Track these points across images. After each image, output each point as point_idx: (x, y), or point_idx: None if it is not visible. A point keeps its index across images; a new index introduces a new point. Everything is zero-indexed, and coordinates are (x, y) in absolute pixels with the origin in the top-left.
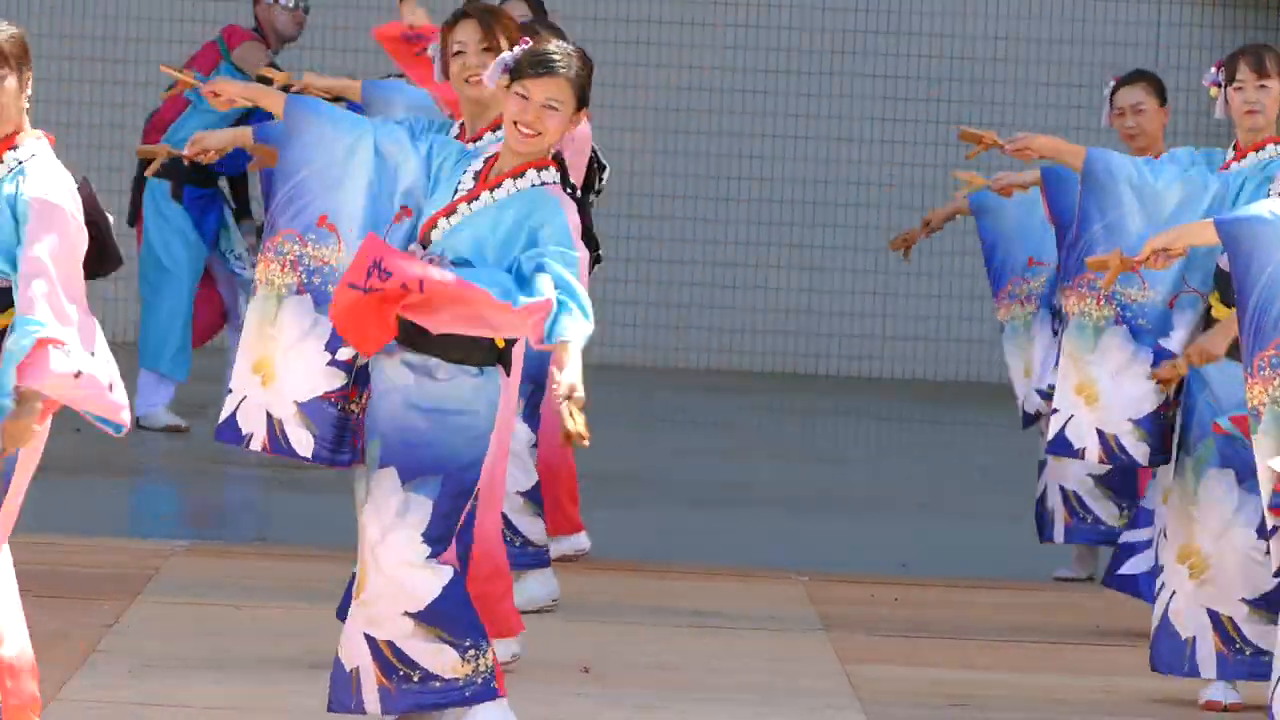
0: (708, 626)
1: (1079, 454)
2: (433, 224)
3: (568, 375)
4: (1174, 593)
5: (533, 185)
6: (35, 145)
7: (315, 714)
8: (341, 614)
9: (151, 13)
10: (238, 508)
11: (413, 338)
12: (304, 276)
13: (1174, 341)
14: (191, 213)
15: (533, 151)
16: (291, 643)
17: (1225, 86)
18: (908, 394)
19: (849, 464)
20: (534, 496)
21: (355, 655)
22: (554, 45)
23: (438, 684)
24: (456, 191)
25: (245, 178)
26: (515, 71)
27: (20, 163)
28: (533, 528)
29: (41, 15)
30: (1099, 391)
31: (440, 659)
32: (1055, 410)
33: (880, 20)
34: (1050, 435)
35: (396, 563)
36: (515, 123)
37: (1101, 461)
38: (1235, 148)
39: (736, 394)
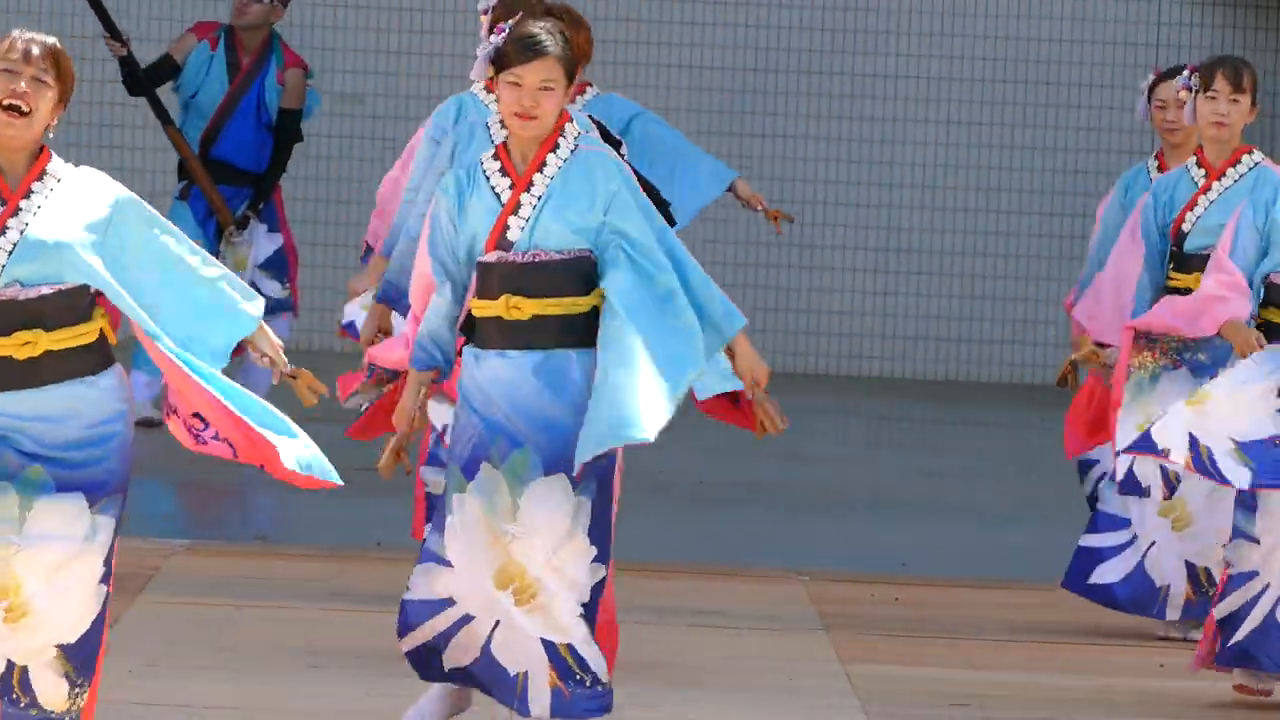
0: (708, 626)
1: (1163, 454)
2: (502, 228)
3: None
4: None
5: (572, 150)
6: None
7: (315, 714)
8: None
9: (152, 12)
10: (238, 508)
11: (527, 337)
12: None
13: None
14: (197, 212)
15: (537, 135)
16: (291, 642)
17: (1197, 93)
18: (908, 393)
19: (849, 463)
20: None
21: (524, 660)
22: (537, 25)
23: (600, 688)
24: (498, 194)
25: (270, 176)
26: (501, 60)
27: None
28: None
29: (42, 16)
30: (1210, 395)
31: (602, 664)
32: (1118, 453)
33: (880, 20)
34: (1119, 476)
35: (578, 567)
36: (514, 113)
37: (1187, 469)
38: (1200, 159)
39: None
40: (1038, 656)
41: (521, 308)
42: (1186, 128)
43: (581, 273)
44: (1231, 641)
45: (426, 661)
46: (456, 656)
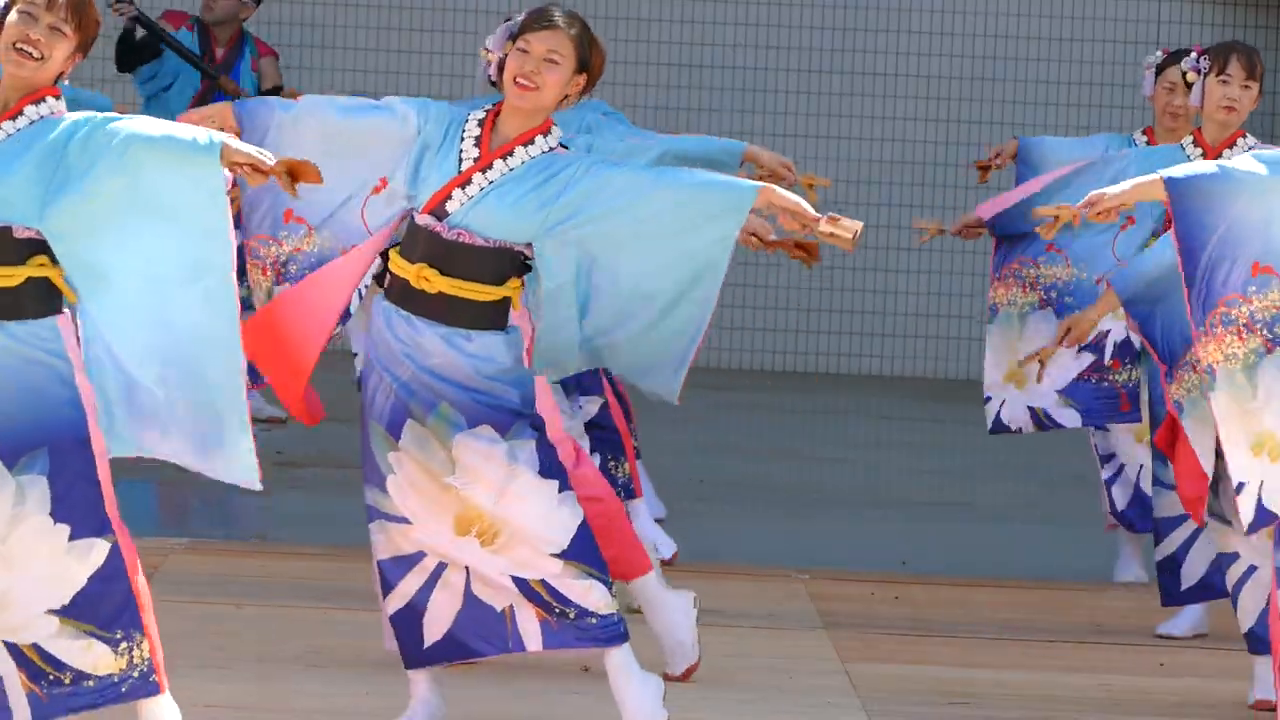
0: (708, 625)
1: (1016, 431)
2: (445, 195)
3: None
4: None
5: (543, 152)
6: (57, 104)
7: (315, 713)
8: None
9: (154, 12)
10: (238, 506)
11: (432, 309)
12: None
13: None
14: None
15: (533, 108)
16: (292, 641)
17: (1207, 75)
18: (908, 392)
19: (849, 462)
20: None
21: (505, 597)
22: (555, 7)
23: (593, 620)
24: (461, 160)
25: None
26: (517, 32)
27: (48, 114)
28: None
29: None
30: (1026, 374)
31: (592, 595)
32: (988, 398)
33: (880, 19)
34: (989, 421)
35: (536, 503)
36: (515, 78)
37: (1038, 430)
38: (1197, 139)
39: (736, 392)
40: (1038, 655)
41: (431, 280)
42: (1189, 113)
43: (501, 264)
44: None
45: (410, 633)
46: (437, 618)
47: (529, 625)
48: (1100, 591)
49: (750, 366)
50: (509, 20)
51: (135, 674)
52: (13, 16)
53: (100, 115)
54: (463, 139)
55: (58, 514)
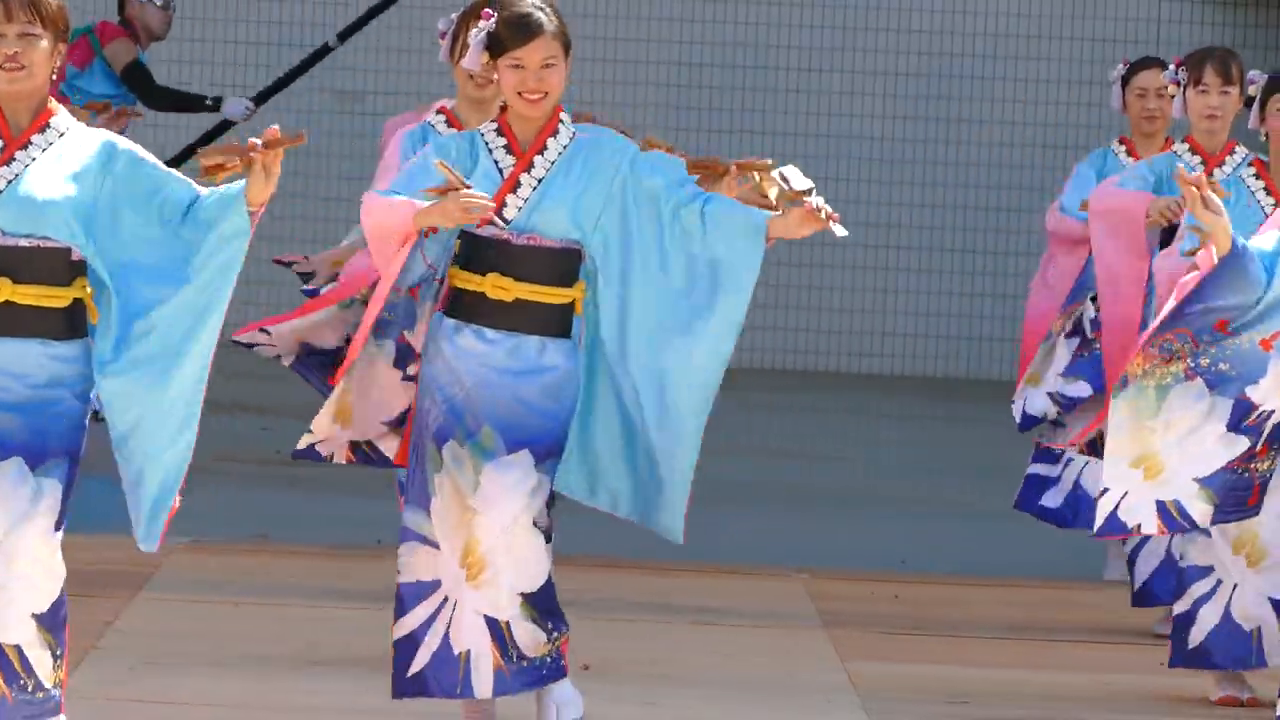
0: (708, 624)
1: (1134, 530)
2: (499, 204)
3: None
4: (1236, 585)
5: (571, 137)
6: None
7: (315, 712)
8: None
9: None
10: (238, 506)
11: (493, 312)
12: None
13: (1261, 389)
14: None
15: (544, 114)
16: (292, 641)
17: (1186, 87)
18: (908, 390)
19: (849, 461)
20: None
21: (468, 638)
22: (526, 5)
23: (528, 664)
24: (500, 169)
25: None
26: (498, 45)
27: (61, 135)
28: None
29: None
30: (1163, 461)
31: (535, 639)
32: (1105, 490)
33: (879, 18)
34: (1098, 521)
35: (527, 545)
36: (519, 93)
37: (1160, 533)
38: (1193, 146)
39: (736, 390)
40: (1037, 654)
41: (508, 289)
42: (1165, 117)
43: (570, 265)
44: (1191, 643)
45: (403, 663)
46: (424, 653)
47: (483, 674)
48: (1100, 591)
49: (750, 366)
50: (474, 24)
51: (55, 692)
52: None
53: (129, 157)
54: (490, 150)
55: (60, 521)
